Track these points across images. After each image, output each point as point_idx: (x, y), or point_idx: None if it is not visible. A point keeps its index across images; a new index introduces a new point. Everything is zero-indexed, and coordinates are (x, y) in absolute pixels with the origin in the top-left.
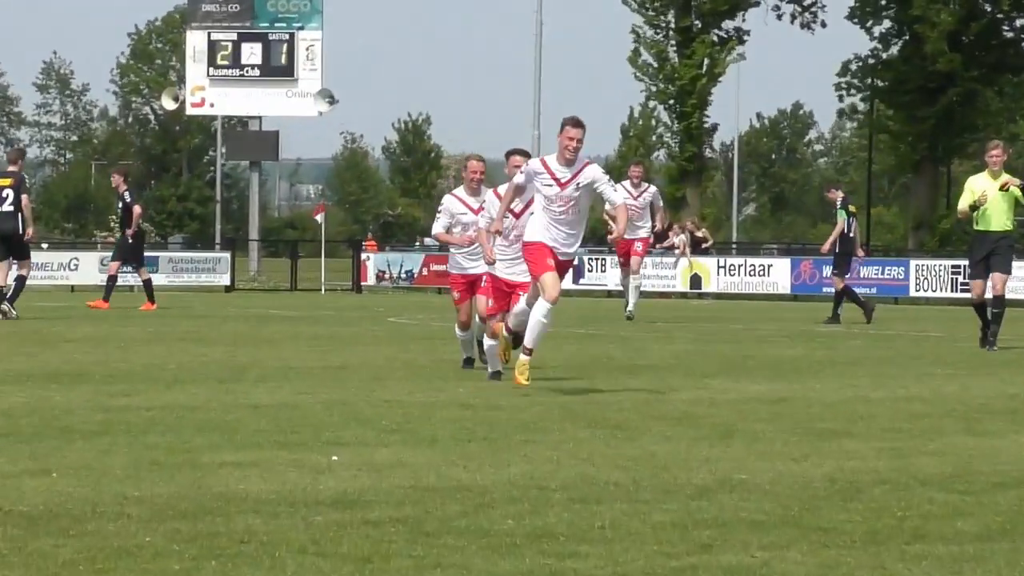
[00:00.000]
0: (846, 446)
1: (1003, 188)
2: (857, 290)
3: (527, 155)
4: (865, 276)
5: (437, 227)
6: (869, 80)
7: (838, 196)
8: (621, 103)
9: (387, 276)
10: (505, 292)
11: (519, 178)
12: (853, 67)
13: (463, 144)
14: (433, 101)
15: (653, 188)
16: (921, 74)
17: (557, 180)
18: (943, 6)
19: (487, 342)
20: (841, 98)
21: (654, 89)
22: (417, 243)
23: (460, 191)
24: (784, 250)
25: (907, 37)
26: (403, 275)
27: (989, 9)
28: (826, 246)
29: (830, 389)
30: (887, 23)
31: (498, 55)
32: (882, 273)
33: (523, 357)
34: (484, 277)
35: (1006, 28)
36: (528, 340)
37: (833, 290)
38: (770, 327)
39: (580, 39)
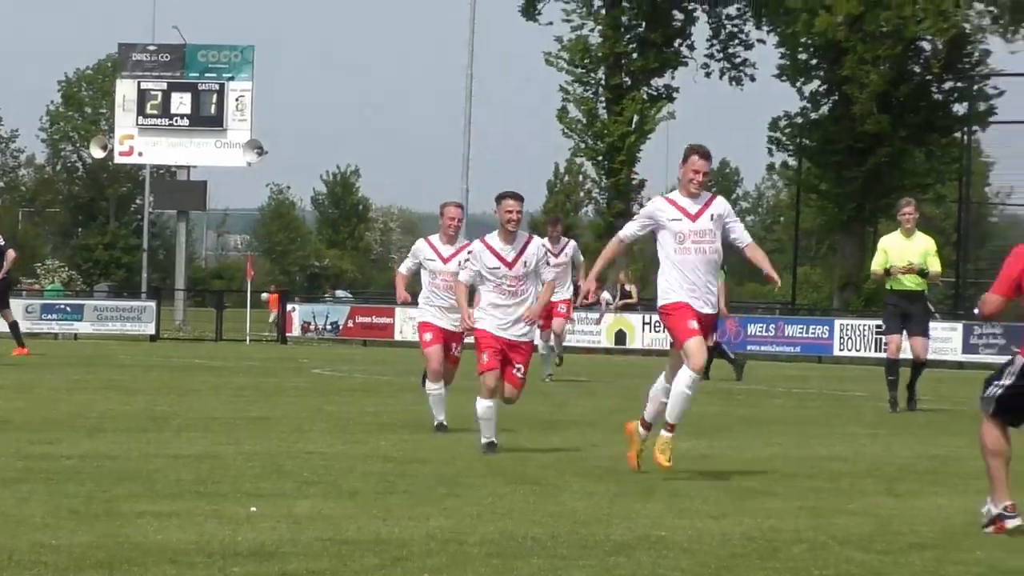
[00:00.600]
0: (766, 504)
1: (901, 272)
2: (781, 349)
3: (461, 206)
4: (790, 335)
5: (402, 267)
6: (798, 139)
7: None
8: (548, 158)
9: (312, 327)
10: (500, 351)
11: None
12: (782, 124)
13: (392, 197)
14: (362, 154)
15: (573, 243)
16: (850, 134)
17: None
18: (873, 67)
19: (481, 404)
20: (771, 152)
21: (583, 145)
22: (328, 295)
23: (435, 238)
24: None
25: (836, 97)
26: (328, 327)
27: (918, 71)
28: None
29: (751, 447)
30: (816, 82)
31: (428, 109)
32: (807, 332)
33: (665, 434)
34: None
35: (935, 90)
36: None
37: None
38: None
39: (508, 94)
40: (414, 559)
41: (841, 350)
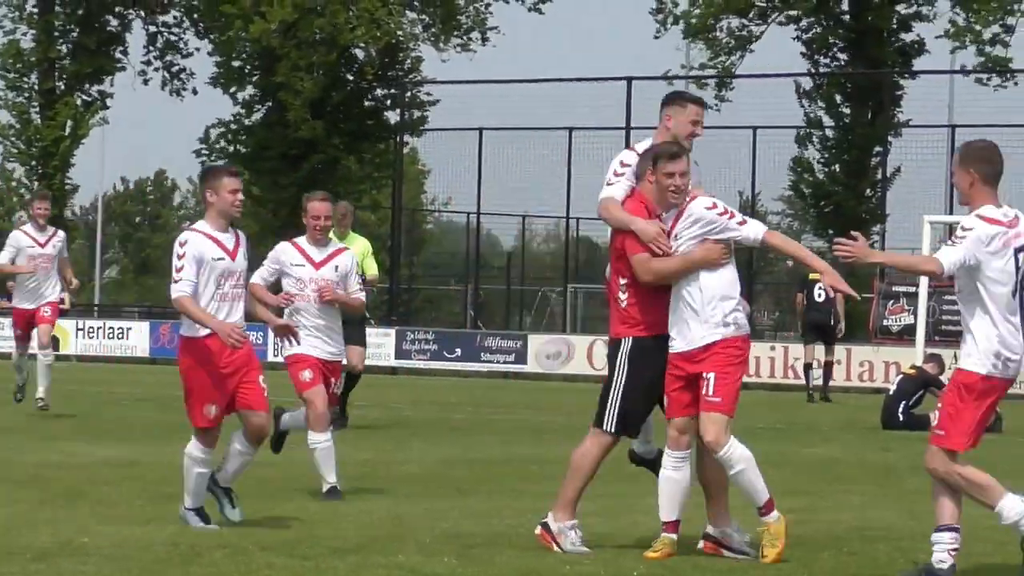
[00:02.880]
0: None
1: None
2: None
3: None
4: None
5: (255, 276)
6: (231, 146)
7: None
8: None
9: None
10: None
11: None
12: (215, 132)
13: None
14: None
15: (63, 233)
16: (284, 141)
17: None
18: (307, 74)
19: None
20: (204, 163)
21: (15, 151)
22: None
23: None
24: (145, 313)
25: (271, 104)
26: None
27: (351, 79)
28: None
29: (180, 453)
30: (251, 89)
31: None
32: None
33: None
34: None
35: (368, 99)
36: None
37: None
38: (127, 390)
39: None
40: None
41: (276, 355)
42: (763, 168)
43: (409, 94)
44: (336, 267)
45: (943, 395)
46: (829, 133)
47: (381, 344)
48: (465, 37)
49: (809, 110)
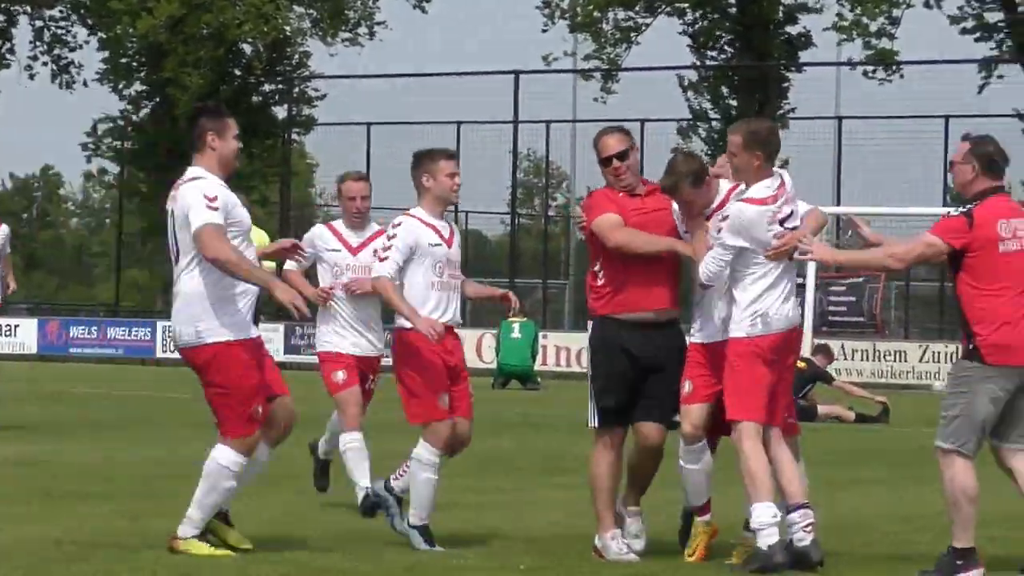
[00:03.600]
0: (82, 509)
1: None
2: (104, 351)
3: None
4: (113, 337)
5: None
6: (119, 142)
7: None
8: None
9: None
10: None
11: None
12: (101, 128)
13: None
14: None
15: (6, 228)
16: (172, 136)
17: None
18: (195, 70)
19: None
20: (89, 159)
21: None
22: None
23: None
24: (33, 310)
25: (158, 100)
26: None
27: (239, 74)
28: None
29: (77, 451)
30: (138, 85)
31: None
32: (130, 334)
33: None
34: None
35: (256, 94)
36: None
37: None
38: (16, 387)
39: None
40: None
41: (164, 352)
42: (651, 161)
43: (297, 89)
44: (375, 251)
45: (725, 373)
46: (716, 125)
47: (270, 339)
48: (353, 32)
49: (694, 102)
